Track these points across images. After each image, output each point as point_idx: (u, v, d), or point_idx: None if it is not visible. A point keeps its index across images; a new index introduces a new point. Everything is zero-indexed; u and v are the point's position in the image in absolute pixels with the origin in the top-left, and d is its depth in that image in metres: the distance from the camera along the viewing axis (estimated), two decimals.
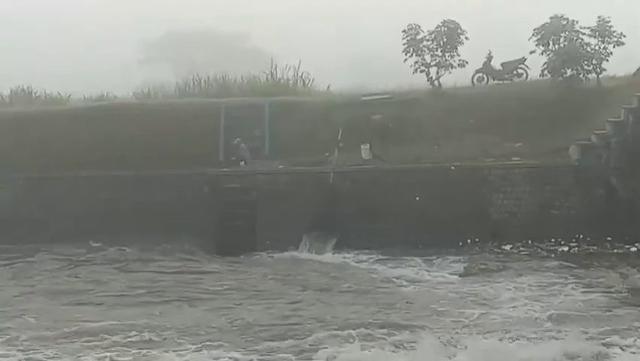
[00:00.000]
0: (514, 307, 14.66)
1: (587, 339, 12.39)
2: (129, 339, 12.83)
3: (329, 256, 20.55)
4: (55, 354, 12.28)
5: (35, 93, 27.90)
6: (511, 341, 12.28)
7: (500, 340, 12.26)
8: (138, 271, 18.98)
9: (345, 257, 20.36)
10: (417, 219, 20.88)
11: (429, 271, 18.32)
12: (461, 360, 11.55)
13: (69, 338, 13.03)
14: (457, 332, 12.81)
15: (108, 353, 12.23)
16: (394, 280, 17.52)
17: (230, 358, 11.94)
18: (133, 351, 12.29)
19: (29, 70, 29.26)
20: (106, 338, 12.89)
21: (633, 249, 19.99)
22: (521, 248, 20.48)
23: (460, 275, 17.87)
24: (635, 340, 12.28)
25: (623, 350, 11.99)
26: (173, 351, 12.25)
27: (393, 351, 12.09)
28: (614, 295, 15.41)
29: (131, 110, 24.65)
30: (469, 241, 20.80)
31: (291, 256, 20.69)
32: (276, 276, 18.12)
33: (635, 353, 11.90)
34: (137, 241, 21.46)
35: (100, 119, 24.18)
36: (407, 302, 15.31)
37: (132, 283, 17.61)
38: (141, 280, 17.95)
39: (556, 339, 12.40)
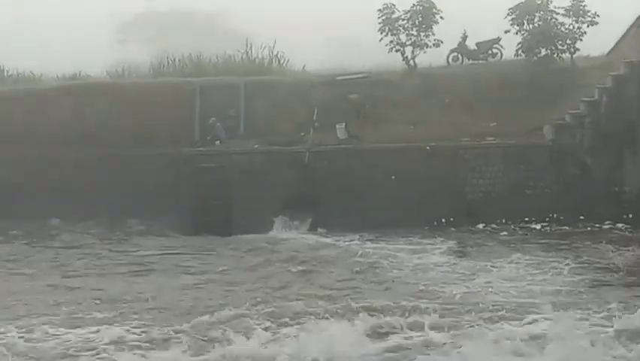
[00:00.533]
0: (512, 285, 14.79)
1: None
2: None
3: (304, 236, 20.50)
4: None
5: (7, 72, 27.56)
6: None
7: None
8: (102, 251, 19.13)
9: (320, 236, 20.31)
10: (393, 199, 20.91)
11: (415, 252, 18.09)
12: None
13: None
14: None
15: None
16: (376, 259, 17.28)
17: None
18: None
19: (0, 49, 28.82)
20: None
21: (606, 227, 20.17)
22: (496, 227, 20.62)
23: (447, 254, 17.79)
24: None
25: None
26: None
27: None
28: (602, 274, 15.57)
29: (105, 89, 24.26)
30: (444, 220, 20.96)
31: (266, 235, 20.58)
32: (248, 255, 18.12)
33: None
34: (111, 220, 21.41)
35: (73, 98, 23.81)
36: (385, 284, 15.30)
37: (94, 260, 17.96)
38: (99, 257, 18.24)
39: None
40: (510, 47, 24.67)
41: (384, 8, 25.00)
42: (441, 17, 24.87)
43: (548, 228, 20.44)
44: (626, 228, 20.07)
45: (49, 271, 16.97)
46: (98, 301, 14.15)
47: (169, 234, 20.89)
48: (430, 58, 25.27)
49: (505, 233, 20.07)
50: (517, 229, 20.39)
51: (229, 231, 20.83)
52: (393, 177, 21.34)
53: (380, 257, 17.47)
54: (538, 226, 20.48)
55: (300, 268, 16.67)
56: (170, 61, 27.37)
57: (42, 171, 22.47)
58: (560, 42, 23.92)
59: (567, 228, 20.27)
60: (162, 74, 26.64)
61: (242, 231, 20.72)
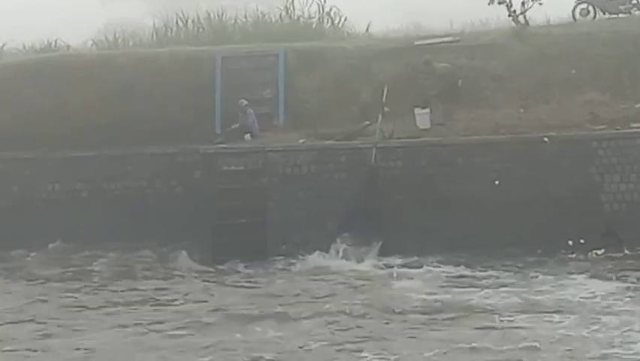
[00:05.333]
0: None
1: None
2: None
3: (371, 266, 20.50)
4: None
5: None
6: None
7: None
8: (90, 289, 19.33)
9: (394, 268, 20.15)
10: (496, 213, 20.95)
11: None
12: None
13: None
14: None
15: None
16: (483, 308, 16.51)
17: None
18: None
19: None
20: None
21: None
22: None
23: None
24: None
25: None
26: None
27: None
28: None
29: (91, 65, 24.71)
30: (570, 242, 20.81)
31: (316, 265, 20.73)
32: (288, 297, 17.87)
33: None
34: (101, 244, 22.01)
35: (47, 77, 24.40)
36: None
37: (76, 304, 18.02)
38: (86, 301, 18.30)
39: None
40: None
41: None
42: None
43: None
44: None
45: None
46: None
47: (177, 264, 21.18)
48: (549, 11, 25.46)
49: None
50: None
51: (262, 258, 21.14)
52: (497, 182, 21.31)
53: (488, 306, 16.60)
54: None
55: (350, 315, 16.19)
56: (180, 22, 27.57)
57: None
58: None
59: None
60: (169, 41, 26.83)
61: (281, 258, 21.07)
